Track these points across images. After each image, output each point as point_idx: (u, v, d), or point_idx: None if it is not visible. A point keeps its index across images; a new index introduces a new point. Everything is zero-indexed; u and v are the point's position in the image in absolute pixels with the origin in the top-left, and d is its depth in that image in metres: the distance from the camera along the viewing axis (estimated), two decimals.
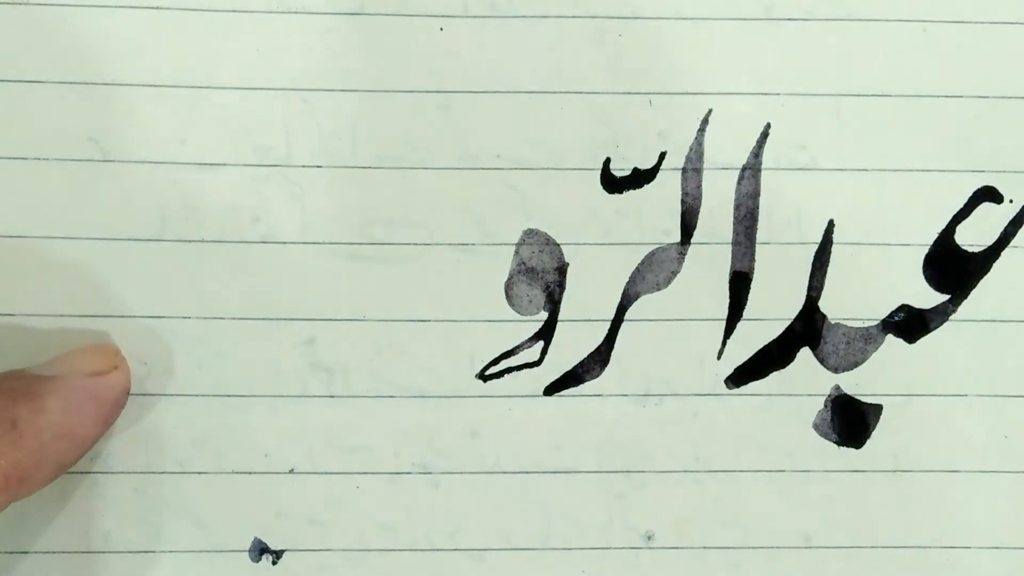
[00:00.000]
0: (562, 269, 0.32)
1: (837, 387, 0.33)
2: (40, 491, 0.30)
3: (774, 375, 0.33)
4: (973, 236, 0.33)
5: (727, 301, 0.33)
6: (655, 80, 0.32)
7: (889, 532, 0.33)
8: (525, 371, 0.32)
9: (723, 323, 0.33)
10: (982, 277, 0.33)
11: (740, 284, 0.32)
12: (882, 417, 0.33)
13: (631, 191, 0.32)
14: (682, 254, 0.32)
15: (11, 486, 0.27)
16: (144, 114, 0.31)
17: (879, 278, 0.33)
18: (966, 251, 0.33)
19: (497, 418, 0.32)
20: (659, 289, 0.32)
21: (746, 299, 0.33)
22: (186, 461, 0.32)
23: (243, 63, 0.31)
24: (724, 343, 0.33)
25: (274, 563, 0.32)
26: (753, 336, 0.33)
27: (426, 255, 0.32)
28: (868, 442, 0.33)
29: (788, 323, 0.33)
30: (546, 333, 0.32)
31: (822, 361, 0.33)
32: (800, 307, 0.33)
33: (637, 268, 0.32)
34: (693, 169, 0.32)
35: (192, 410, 0.32)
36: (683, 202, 0.32)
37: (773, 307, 0.33)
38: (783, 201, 0.32)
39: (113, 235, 0.32)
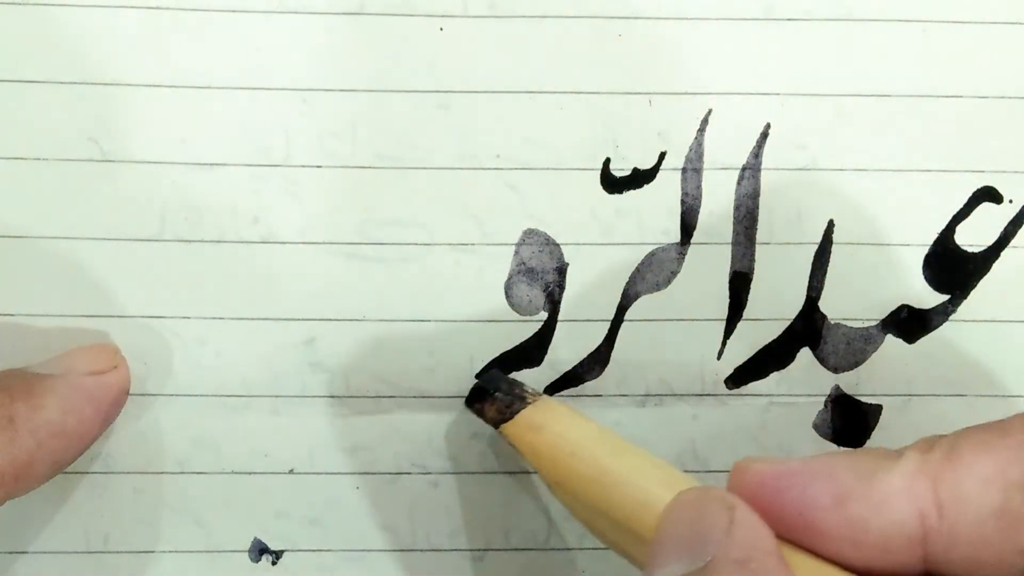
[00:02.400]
0: (562, 269, 0.32)
1: (837, 387, 0.33)
2: (39, 491, 0.30)
3: (774, 375, 0.33)
4: (973, 236, 0.33)
5: (727, 301, 0.33)
6: (655, 80, 0.32)
7: None
8: (525, 371, 0.32)
9: (723, 323, 0.33)
10: (982, 277, 0.33)
11: (740, 284, 0.33)
12: (882, 417, 0.33)
13: (631, 191, 0.32)
14: (682, 254, 0.32)
15: (7, 483, 0.27)
16: (144, 114, 0.31)
17: (879, 278, 0.33)
18: (966, 251, 0.33)
19: None
20: (659, 289, 0.32)
21: (746, 299, 0.33)
22: (186, 461, 0.32)
23: (243, 63, 0.31)
24: (724, 343, 0.33)
25: (274, 563, 0.32)
26: (753, 336, 0.33)
27: (426, 255, 0.32)
28: (868, 442, 0.33)
29: (788, 323, 0.33)
30: (546, 333, 0.32)
31: (822, 361, 0.33)
32: (800, 307, 0.33)
33: (637, 268, 0.32)
34: (693, 169, 0.32)
35: (192, 410, 0.32)
36: (683, 202, 0.32)
37: (773, 307, 0.33)
38: (783, 201, 0.32)
39: (113, 235, 0.31)
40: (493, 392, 0.30)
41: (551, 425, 0.29)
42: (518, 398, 0.30)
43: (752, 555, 0.21)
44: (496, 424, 0.30)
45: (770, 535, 0.22)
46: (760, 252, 0.32)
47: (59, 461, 0.29)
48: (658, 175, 0.32)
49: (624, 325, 0.32)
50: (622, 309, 0.32)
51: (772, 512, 0.23)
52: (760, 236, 0.32)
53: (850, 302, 0.33)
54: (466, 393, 0.32)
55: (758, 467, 0.24)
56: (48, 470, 0.29)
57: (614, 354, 0.32)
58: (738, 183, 0.32)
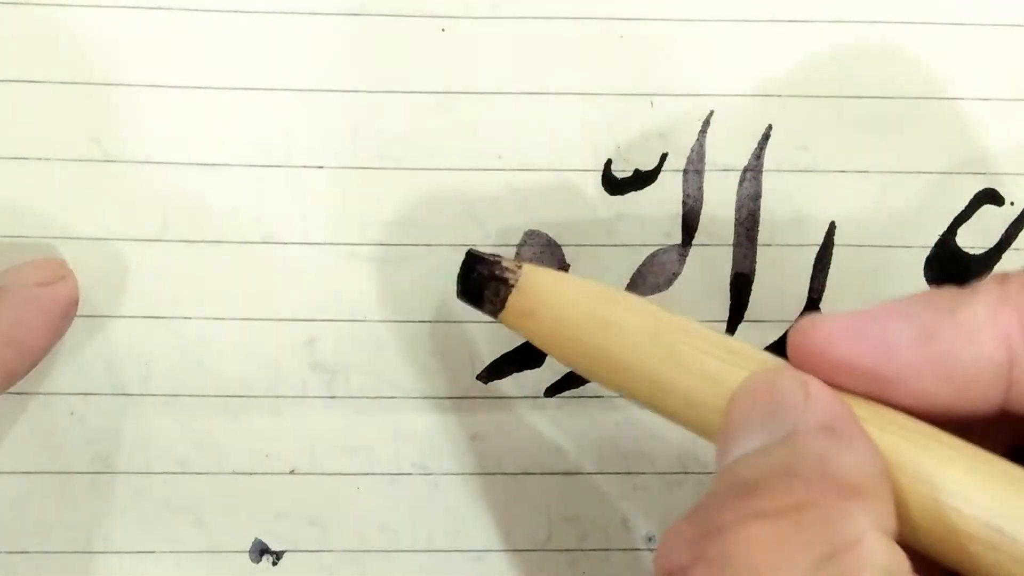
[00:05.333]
0: (563, 270, 0.32)
1: None
2: (40, 491, 0.30)
3: None
4: (974, 238, 0.33)
5: (728, 303, 0.33)
6: (656, 81, 0.32)
7: None
8: (526, 372, 0.32)
9: (724, 325, 0.33)
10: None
11: (741, 286, 0.32)
12: None
13: (632, 192, 0.32)
14: (683, 256, 0.32)
15: None
16: (145, 114, 0.31)
17: (880, 280, 0.33)
18: (967, 253, 0.33)
19: (497, 419, 0.32)
20: (660, 291, 0.32)
21: (747, 301, 0.32)
22: (186, 461, 0.32)
23: (244, 63, 0.32)
24: None
25: (274, 564, 0.32)
26: (754, 338, 0.32)
27: (427, 256, 0.32)
28: None
29: (789, 325, 0.33)
30: None
31: None
32: (801, 309, 0.33)
33: (638, 270, 0.32)
34: (694, 171, 0.32)
35: (192, 410, 0.32)
36: (684, 203, 0.32)
37: (774, 309, 0.33)
38: (784, 203, 0.32)
39: (114, 235, 0.32)
40: (471, 276, 0.26)
41: (544, 309, 0.25)
42: (500, 281, 0.26)
43: (834, 421, 0.21)
44: (494, 315, 0.26)
45: (846, 403, 0.22)
46: (761, 254, 0.32)
47: (11, 372, 0.29)
48: (660, 176, 0.32)
49: None
50: None
51: (846, 365, 0.22)
52: (761, 238, 0.32)
53: (851, 304, 0.32)
54: (466, 394, 0.32)
55: (827, 322, 0.23)
56: (1, 381, 0.29)
57: None
58: (740, 184, 0.32)
